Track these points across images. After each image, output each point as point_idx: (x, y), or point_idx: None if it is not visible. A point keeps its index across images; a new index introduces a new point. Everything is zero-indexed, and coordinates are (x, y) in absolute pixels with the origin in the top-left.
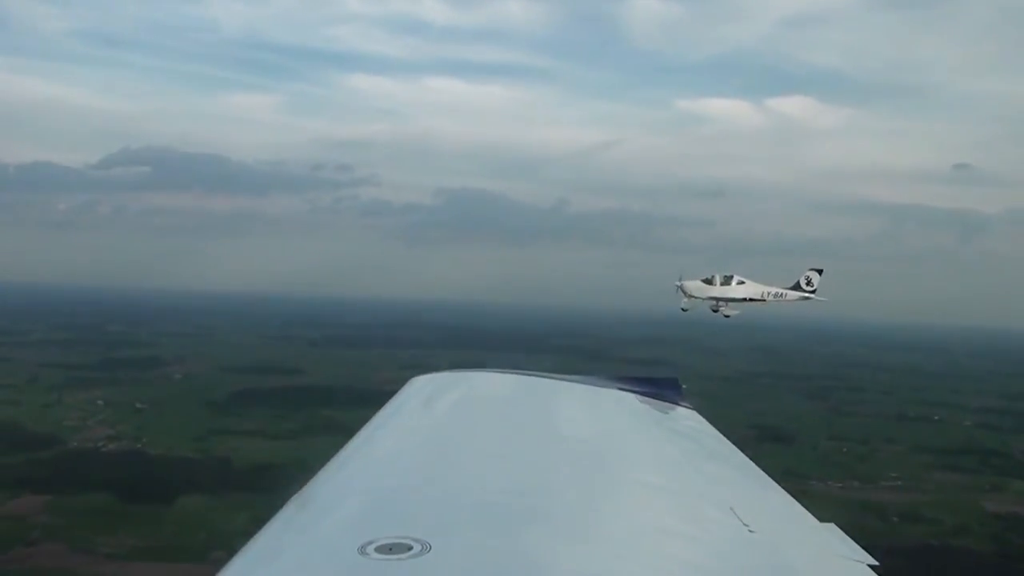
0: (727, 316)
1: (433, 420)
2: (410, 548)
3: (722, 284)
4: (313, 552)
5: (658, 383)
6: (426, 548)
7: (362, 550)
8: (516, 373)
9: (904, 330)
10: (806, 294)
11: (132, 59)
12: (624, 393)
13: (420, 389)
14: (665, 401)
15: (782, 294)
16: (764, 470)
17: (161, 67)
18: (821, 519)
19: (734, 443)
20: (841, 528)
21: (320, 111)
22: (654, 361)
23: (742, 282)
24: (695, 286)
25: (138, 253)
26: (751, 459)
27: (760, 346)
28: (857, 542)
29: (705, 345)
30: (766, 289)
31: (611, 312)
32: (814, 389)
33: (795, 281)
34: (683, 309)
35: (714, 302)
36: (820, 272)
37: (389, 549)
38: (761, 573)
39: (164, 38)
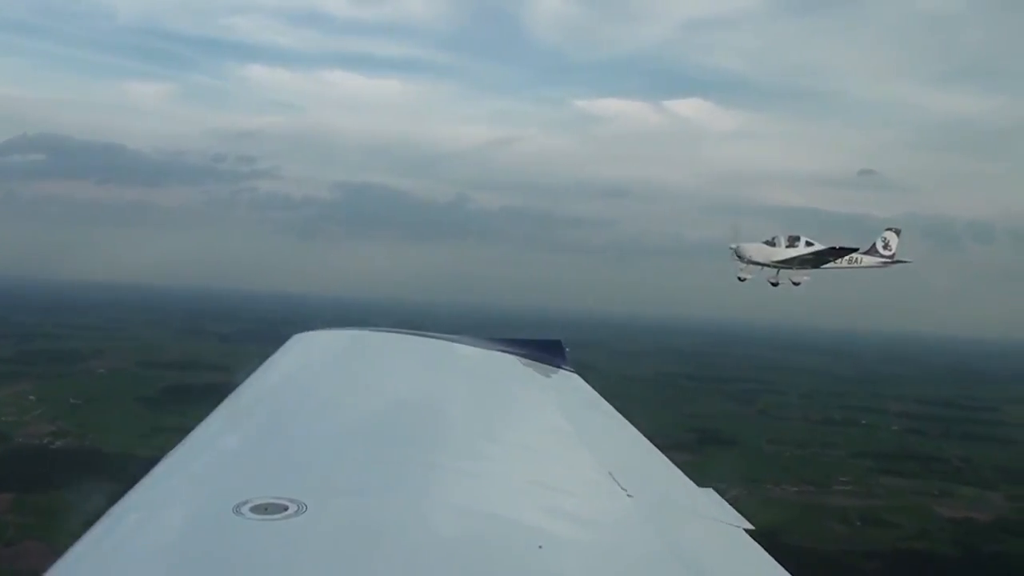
0: (796, 283)
1: (313, 379)
2: (285, 508)
3: (788, 247)
4: (186, 512)
5: (541, 345)
6: (302, 508)
7: (236, 510)
8: (398, 332)
9: (809, 333)
10: (885, 259)
11: (27, 45)
12: (507, 355)
13: (301, 347)
14: (548, 364)
15: (858, 259)
16: (714, 474)
17: (57, 53)
18: (792, 525)
19: (675, 446)
20: (807, 532)
21: (218, 102)
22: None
23: (811, 243)
24: (755, 248)
25: (33, 242)
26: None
27: (670, 348)
28: (829, 546)
29: (615, 348)
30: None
31: (513, 310)
32: (737, 392)
33: (871, 244)
34: (740, 279)
35: (777, 269)
36: (898, 233)
37: (264, 509)
38: (639, 536)
39: (60, 24)
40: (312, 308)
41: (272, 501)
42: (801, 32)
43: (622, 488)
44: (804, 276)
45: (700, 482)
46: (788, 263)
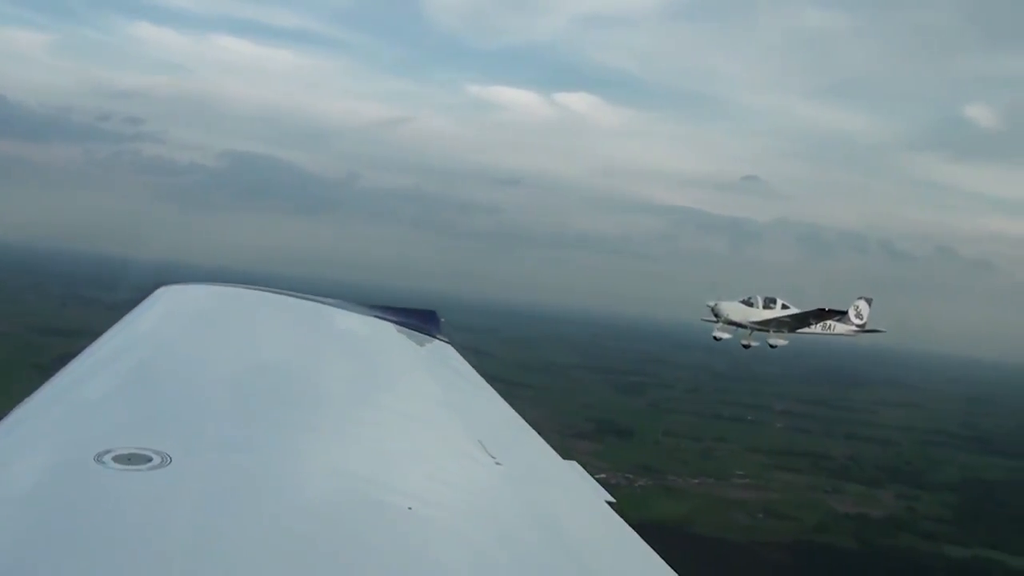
0: (773, 346)
1: (179, 332)
2: (149, 459)
3: (764, 308)
4: (45, 459)
5: (417, 314)
6: (166, 460)
7: (98, 459)
8: (272, 291)
9: (685, 327)
10: (857, 327)
11: None
12: (381, 321)
13: (168, 300)
14: (423, 333)
15: (831, 326)
16: (619, 465)
17: None
18: (699, 516)
19: (577, 435)
20: (714, 523)
21: (102, 57)
22: (458, 347)
23: (787, 306)
24: (733, 308)
25: None
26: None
27: (558, 337)
28: (738, 537)
29: (503, 335)
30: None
31: (397, 291)
32: (626, 384)
33: (844, 310)
34: (715, 338)
35: (751, 333)
36: (870, 302)
37: (127, 459)
38: (506, 503)
39: None
40: (194, 278)
41: (136, 451)
42: (692, 37)
43: (491, 456)
44: (781, 340)
45: (609, 472)
46: (766, 324)
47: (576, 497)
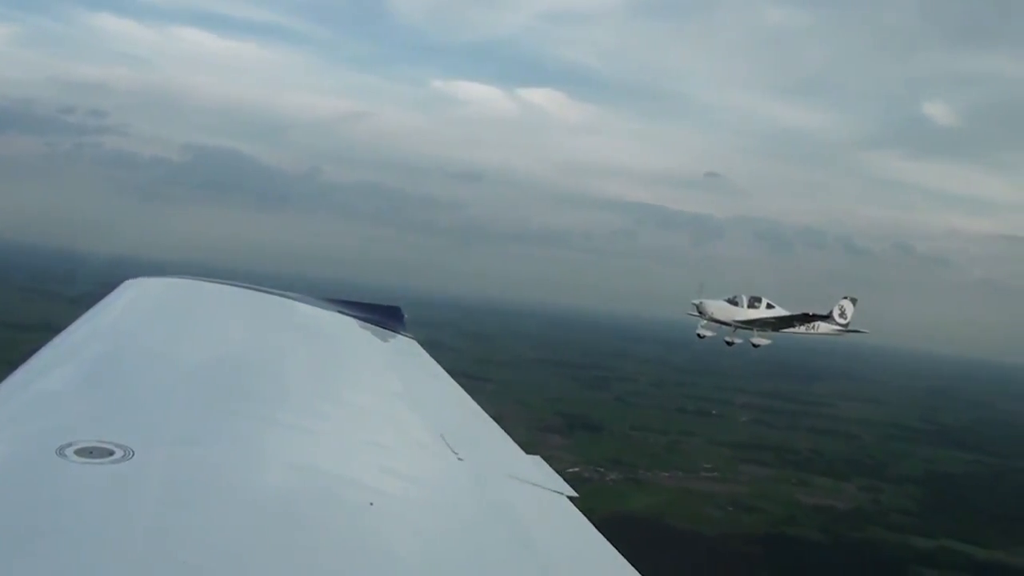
0: (756, 346)
1: (144, 325)
2: (112, 453)
3: (748, 307)
4: (7, 453)
5: (380, 310)
6: (128, 454)
7: (60, 452)
8: (237, 285)
9: (645, 322)
10: (840, 327)
11: None
12: (345, 317)
13: (134, 293)
14: (387, 329)
15: (816, 326)
16: (590, 459)
17: None
18: (671, 509)
19: (547, 429)
20: (685, 516)
21: (64, 49)
22: (422, 341)
23: (771, 306)
24: (717, 307)
25: None
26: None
27: (519, 332)
28: (709, 529)
29: (464, 329)
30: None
31: (359, 286)
32: (590, 378)
33: (828, 310)
34: (699, 335)
35: (735, 329)
36: (854, 302)
37: (90, 452)
38: (468, 497)
39: None
40: (157, 273)
41: (98, 445)
42: (656, 35)
43: (453, 451)
44: (764, 340)
45: (580, 466)
46: (750, 324)
47: (538, 492)
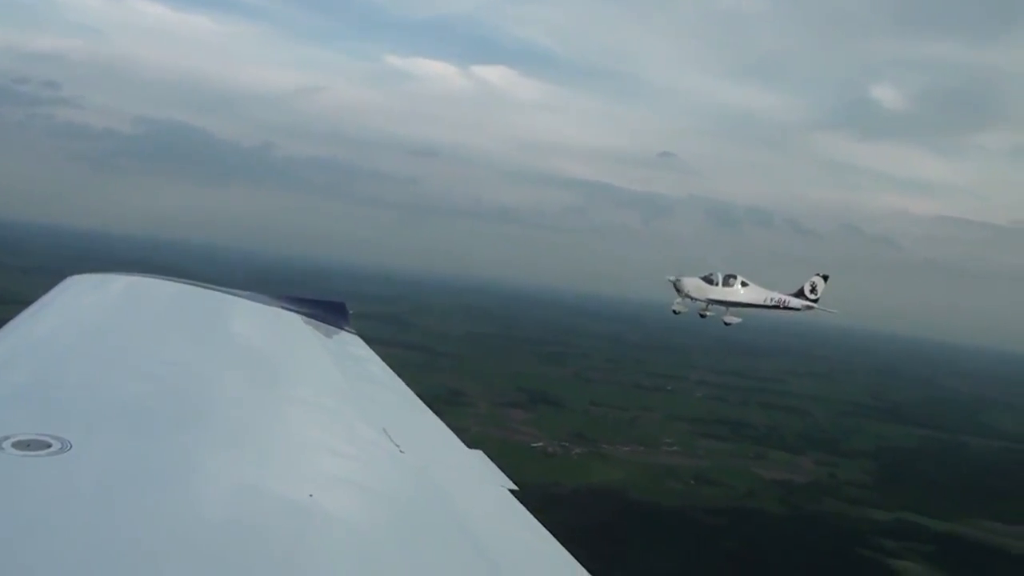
0: (727, 324)
1: (86, 320)
2: (49, 446)
3: (723, 285)
4: None
5: (325, 306)
6: (66, 446)
7: None
8: (180, 282)
9: (595, 300)
10: (809, 303)
11: None
12: (288, 313)
13: (76, 289)
14: (331, 325)
15: (785, 300)
16: (553, 433)
17: None
18: (635, 482)
19: (510, 404)
20: (649, 489)
21: (15, 18)
22: (378, 316)
23: (745, 283)
24: (693, 284)
25: None
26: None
27: (473, 307)
28: (674, 502)
29: (422, 304)
30: (768, 295)
31: (311, 261)
32: (548, 354)
33: (799, 287)
34: (675, 311)
35: (708, 306)
36: (826, 279)
37: (27, 445)
38: (410, 491)
39: None
40: (106, 245)
41: (35, 438)
42: (610, 15)
43: (395, 445)
44: (735, 319)
45: (545, 441)
46: (724, 304)
47: (480, 485)
